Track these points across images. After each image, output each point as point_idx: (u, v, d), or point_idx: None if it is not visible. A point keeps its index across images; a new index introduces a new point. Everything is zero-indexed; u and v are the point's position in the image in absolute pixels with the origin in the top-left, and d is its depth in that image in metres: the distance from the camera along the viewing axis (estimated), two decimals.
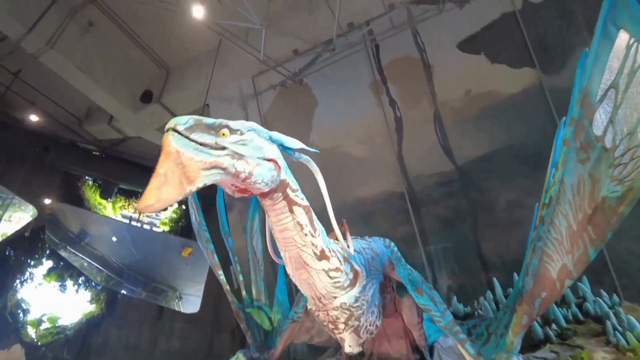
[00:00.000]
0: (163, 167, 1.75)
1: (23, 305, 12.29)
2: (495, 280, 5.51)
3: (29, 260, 12.73)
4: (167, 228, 15.72)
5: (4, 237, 11.74)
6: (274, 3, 6.83)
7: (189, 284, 14.93)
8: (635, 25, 2.42)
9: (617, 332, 3.70)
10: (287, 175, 2.46)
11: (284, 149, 2.48)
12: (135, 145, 13.00)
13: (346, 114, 8.59)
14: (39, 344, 11.95)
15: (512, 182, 6.99)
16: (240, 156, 2.02)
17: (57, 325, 12.54)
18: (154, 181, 1.72)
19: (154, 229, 15.77)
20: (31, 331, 12.21)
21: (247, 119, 8.60)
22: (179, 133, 1.82)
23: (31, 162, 12.13)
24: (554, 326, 4.33)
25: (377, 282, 3.50)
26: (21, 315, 12.16)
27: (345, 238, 3.39)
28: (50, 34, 8.95)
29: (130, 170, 14.04)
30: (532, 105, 6.98)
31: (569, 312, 4.45)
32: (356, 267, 3.17)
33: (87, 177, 14.09)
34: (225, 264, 4.80)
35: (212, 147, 1.91)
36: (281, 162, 2.38)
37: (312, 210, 2.67)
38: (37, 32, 8.77)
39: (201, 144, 1.87)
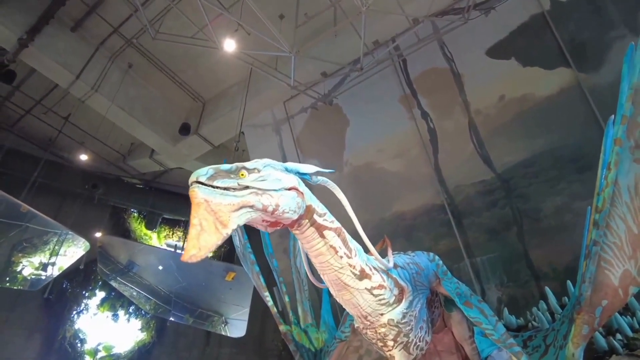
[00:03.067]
0: (197, 217, 1.86)
1: (80, 335, 12.86)
2: (547, 289, 5.28)
3: (83, 292, 13.37)
4: (210, 254, 16.08)
5: (60, 271, 12.38)
6: (301, 29, 7.03)
7: (233, 308, 15.11)
8: None
9: None
10: (312, 201, 2.48)
11: (301, 175, 2.52)
12: (176, 176, 13.52)
13: (378, 129, 8.63)
14: None
15: (557, 187, 6.74)
16: (264, 191, 2.10)
17: (111, 353, 13.03)
18: (192, 232, 1.83)
19: None
20: None
21: (281, 143, 8.83)
22: (203, 184, 1.92)
23: (82, 199, 12.86)
24: (618, 336, 4.08)
25: (424, 297, 3.45)
26: (79, 345, 12.72)
27: (386, 254, 3.40)
28: (94, 78, 9.62)
29: (173, 200, 14.56)
30: (570, 105, 6.77)
31: (634, 320, 4.18)
32: (401, 282, 3.14)
33: (132, 210, 14.73)
34: (270, 285, 4.87)
35: (235, 189, 1.99)
36: (302, 188, 2.42)
37: (344, 231, 2.67)
38: (83, 78, 9.44)
39: (225, 189, 1.96)
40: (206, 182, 1.93)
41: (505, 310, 5.77)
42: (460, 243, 7.39)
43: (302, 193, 2.37)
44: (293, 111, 9.69)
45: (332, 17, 7.36)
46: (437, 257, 3.72)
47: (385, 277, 2.93)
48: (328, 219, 2.59)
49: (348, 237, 2.69)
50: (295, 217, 2.30)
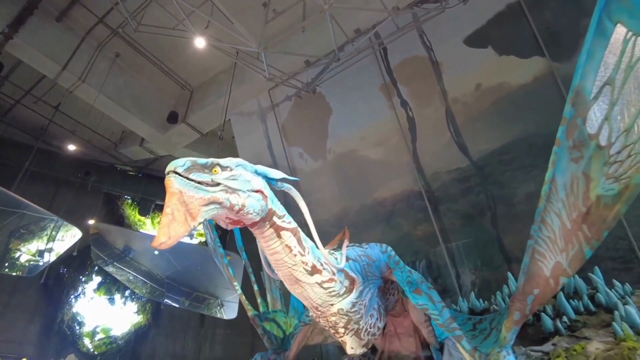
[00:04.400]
0: (170, 207, 1.98)
1: (78, 318, 13.28)
2: (509, 273, 5.52)
3: (80, 277, 13.73)
4: (203, 239, 16.40)
5: (57, 257, 12.69)
6: (281, 19, 7.10)
7: (227, 291, 15.48)
8: (633, 18, 2.37)
9: (623, 322, 3.68)
10: (273, 204, 2.61)
11: (268, 180, 2.64)
12: (167, 163, 13.61)
13: (360, 118, 8.76)
14: (95, 353, 12.91)
15: (531, 174, 6.91)
16: (233, 190, 2.23)
17: (109, 335, 13.46)
18: (164, 220, 1.95)
19: (192, 240, 16.48)
20: (87, 342, 13.16)
21: (266, 131, 8.99)
22: (179, 175, 2.04)
23: (75, 187, 13.10)
24: (564, 318, 4.32)
25: (375, 287, 3.68)
26: (77, 327, 13.14)
27: (340, 247, 3.62)
28: (81, 69, 9.71)
29: (165, 187, 14.79)
30: (544, 94, 6.87)
31: (580, 304, 4.41)
32: (352, 274, 3.36)
33: (126, 197, 14.97)
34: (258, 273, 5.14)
35: (208, 185, 2.12)
36: (267, 192, 2.55)
37: (299, 231, 2.84)
38: (70, 68, 9.54)
39: (199, 183, 2.08)
40: (182, 174, 2.06)
41: (472, 294, 6.01)
42: (436, 228, 7.61)
43: (266, 196, 2.51)
44: (278, 99, 9.81)
45: (311, 8, 7.41)
46: (389, 249, 3.93)
47: (335, 271, 3.14)
48: (286, 220, 2.75)
49: (303, 236, 2.87)
50: (257, 218, 2.45)
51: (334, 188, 9.00)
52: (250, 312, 4.65)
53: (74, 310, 13.31)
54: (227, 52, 7.86)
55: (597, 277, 4.67)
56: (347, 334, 3.39)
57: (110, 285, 13.93)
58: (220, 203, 2.16)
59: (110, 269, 14.67)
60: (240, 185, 2.30)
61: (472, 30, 7.63)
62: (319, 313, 3.29)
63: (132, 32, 9.78)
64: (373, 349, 4.73)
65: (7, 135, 12.04)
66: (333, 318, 3.28)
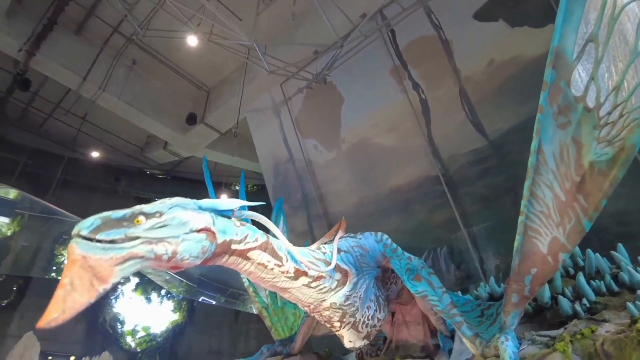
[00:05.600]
0: (68, 276, 1.70)
1: (119, 317, 13.96)
2: None
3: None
4: None
5: None
6: (276, 19, 7.07)
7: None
8: None
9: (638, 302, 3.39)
10: (227, 235, 2.34)
11: (220, 212, 2.38)
12: (192, 164, 14.04)
13: (371, 104, 8.60)
14: (137, 350, 13.55)
15: None
16: (159, 239, 1.96)
17: (149, 333, 14.07)
18: (58, 293, 1.67)
19: None
20: (129, 340, 13.81)
21: (281, 125, 8.99)
22: (84, 237, 1.78)
23: (106, 192, 13.69)
24: (584, 300, 4.04)
25: (371, 277, 3.57)
26: (119, 326, 13.81)
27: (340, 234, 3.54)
28: (101, 78, 10.07)
29: (192, 187, 15.16)
30: None
31: (602, 284, 4.12)
32: (343, 266, 3.25)
33: (155, 199, 15.37)
34: None
35: (123, 241, 1.85)
36: (216, 226, 2.27)
37: (271, 242, 2.62)
38: (90, 79, 9.91)
39: (110, 242, 1.82)
40: (88, 236, 1.79)
41: (492, 279, 5.77)
42: (456, 213, 7.36)
43: (213, 233, 2.23)
44: (290, 92, 9.78)
45: None
46: (385, 237, 3.77)
47: (324, 267, 3.04)
48: (250, 240, 2.49)
49: (277, 245, 2.67)
50: (198, 262, 2.16)
51: (349, 178, 8.90)
52: (258, 304, 4.67)
53: (115, 310, 13.98)
54: (233, 49, 7.90)
55: (621, 254, 4.35)
56: (343, 328, 3.30)
57: (147, 285, 14.50)
58: (141, 257, 1.88)
59: (148, 270, 15.30)
60: (171, 232, 2.02)
61: (481, 4, 7.27)
62: (312, 309, 3.22)
63: (145, 38, 10.09)
64: (384, 339, 4.65)
65: (41, 147, 12.73)
66: (326, 312, 3.19)
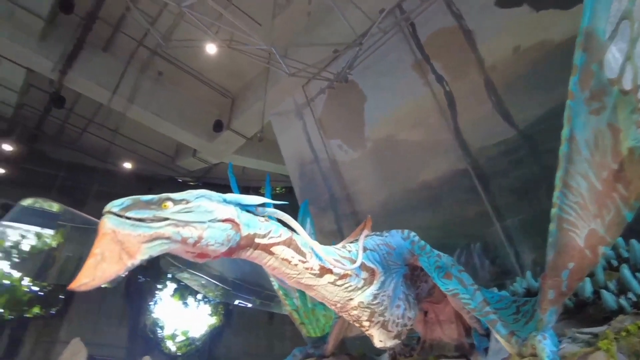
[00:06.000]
0: (99, 247, 1.84)
1: (159, 322, 14.41)
2: None
3: (156, 284, 14.86)
4: None
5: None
6: (294, 22, 7.07)
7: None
8: None
9: None
10: (250, 229, 2.43)
11: (244, 208, 2.46)
12: (222, 169, 14.28)
13: (395, 100, 8.48)
14: (178, 354, 13.94)
15: None
16: (186, 223, 2.07)
17: (188, 337, 14.45)
18: (90, 261, 1.81)
19: None
20: (170, 344, 14.22)
21: (305, 127, 9.02)
22: (114, 214, 1.91)
23: None
24: (630, 294, 3.82)
25: (399, 276, 3.50)
26: (159, 331, 14.25)
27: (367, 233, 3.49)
28: (129, 92, 10.41)
29: (223, 192, 15.35)
30: None
31: None
32: (370, 265, 3.22)
33: None
34: None
35: (151, 221, 1.97)
36: (240, 219, 2.36)
37: (295, 238, 2.66)
38: (120, 92, 10.26)
39: (139, 220, 1.94)
40: (118, 213, 1.92)
41: (529, 273, 5.56)
42: (488, 207, 7.15)
43: (238, 225, 2.32)
44: (312, 94, 9.78)
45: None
46: (412, 234, 3.69)
47: (350, 265, 3.03)
48: (274, 235, 2.56)
49: (301, 242, 2.71)
50: (223, 249, 2.25)
51: (376, 176, 8.81)
52: (288, 306, 4.69)
53: (154, 315, 14.43)
54: (253, 54, 7.98)
55: None
56: (373, 327, 3.26)
57: (184, 291, 14.87)
58: (167, 238, 2.00)
59: (184, 275, 15.68)
60: (198, 217, 2.13)
61: None
62: (339, 309, 3.20)
63: (169, 49, 10.34)
64: (418, 339, 4.57)
65: (77, 161, 13.29)
66: (354, 312, 3.17)
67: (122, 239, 1.88)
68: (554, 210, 2.75)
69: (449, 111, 7.69)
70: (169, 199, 2.10)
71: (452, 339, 4.11)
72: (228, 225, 2.24)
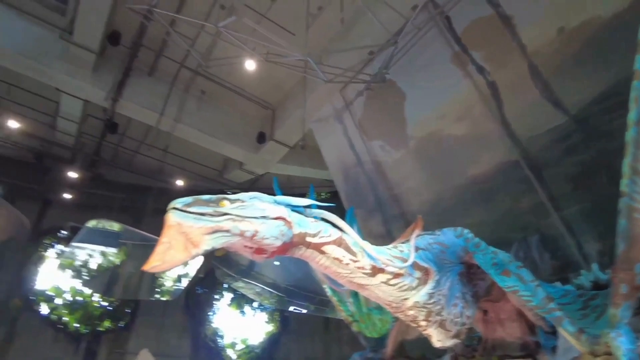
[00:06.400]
0: (166, 237, 2.07)
1: (218, 332, 14.90)
2: None
3: (214, 295, 15.39)
4: None
5: (189, 280, 14.43)
6: (327, 28, 7.13)
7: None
8: None
9: None
10: (301, 228, 2.54)
11: (294, 208, 2.58)
12: (268, 180, 14.58)
13: (435, 96, 8.32)
14: None
15: None
16: (243, 218, 2.24)
17: (247, 345, 14.82)
18: (159, 248, 2.04)
19: None
20: (230, 353, 14.64)
21: (345, 131, 9.07)
22: (178, 209, 2.12)
23: None
24: None
25: (454, 274, 3.44)
26: (219, 340, 14.72)
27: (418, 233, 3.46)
28: (175, 112, 10.91)
29: None
30: None
31: None
32: (423, 264, 3.20)
33: None
34: None
35: (211, 215, 2.16)
36: (292, 218, 2.49)
37: (345, 238, 2.72)
38: (166, 114, 10.80)
39: (200, 214, 2.14)
40: (182, 208, 2.13)
41: (595, 266, 5.25)
42: (544, 198, 6.84)
43: (289, 222, 2.45)
44: (350, 97, 9.79)
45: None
46: (465, 231, 3.60)
47: (401, 265, 3.02)
48: (324, 235, 2.64)
49: (352, 241, 2.77)
50: (278, 243, 2.38)
51: (422, 174, 8.66)
52: (343, 312, 4.71)
53: (214, 325, 14.92)
54: (290, 64, 8.14)
55: None
56: (430, 327, 3.24)
57: (240, 299, 15.27)
58: (227, 231, 2.18)
59: (239, 284, 16.11)
60: (253, 213, 2.29)
61: None
62: (395, 309, 3.20)
63: (211, 69, 10.75)
64: (479, 339, 4.44)
65: (133, 181, 14.09)
66: (410, 312, 3.16)
67: (186, 230, 2.07)
68: (623, 200, 2.62)
69: (494, 102, 7.43)
70: (225, 198, 2.28)
71: (515, 338, 3.97)
72: (281, 222, 2.39)
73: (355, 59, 8.91)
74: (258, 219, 2.30)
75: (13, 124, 11.56)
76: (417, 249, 3.28)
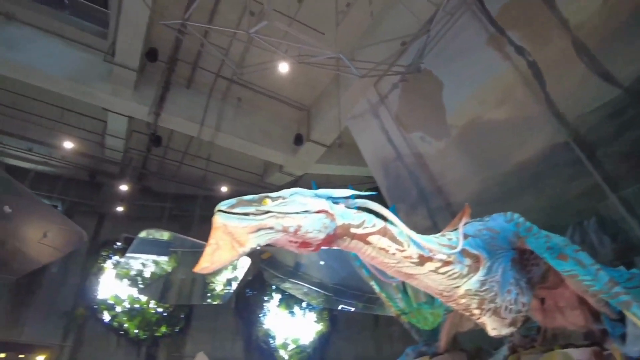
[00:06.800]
0: (214, 238, 2.17)
1: (270, 333, 15.15)
2: None
3: (263, 297, 15.66)
4: None
5: (238, 284, 14.77)
6: (357, 24, 7.06)
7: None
8: None
9: None
10: (345, 219, 2.55)
11: (335, 200, 2.59)
12: (308, 181, 14.71)
13: (474, 81, 8.05)
14: None
15: None
16: (285, 214, 2.30)
17: (298, 345, 14.97)
18: (207, 249, 2.14)
19: None
20: (282, 353, 14.85)
21: (382, 126, 8.96)
22: (224, 212, 2.22)
23: None
24: None
25: (507, 260, 3.33)
26: (271, 341, 14.97)
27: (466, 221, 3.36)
28: (214, 121, 11.23)
29: None
30: None
31: None
32: (473, 251, 3.12)
33: None
34: None
35: (255, 214, 2.24)
36: (334, 210, 2.51)
37: (390, 229, 2.69)
38: (206, 124, 11.13)
39: (244, 214, 2.22)
40: (226, 210, 2.23)
41: None
42: (598, 179, 6.45)
43: (332, 215, 2.47)
44: (385, 91, 9.67)
45: None
46: (516, 216, 3.46)
47: (450, 253, 2.96)
48: (368, 225, 2.63)
49: (397, 231, 2.74)
50: (321, 236, 2.41)
51: (466, 163, 8.40)
52: (393, 308, 4.65)
53: (265, 326, 15.20)
54: (322, 64, 8.16)
55: None
56: (484, 315, 3.14)
57: (289, 300, 15.46)
58: (271, 228, 2.25)
59: (287, 285, 16.32)
60: (294, 208, 2.34)
61: None
62: (446, 298, 3.12)
63: (245, 76, 10.97)
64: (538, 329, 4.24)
65: (179, 191, 14.64)
66: (463, 300, 3.08)
67: (231, 230, 2.17)
68: None
69: (536, 82, 7.09)
70: (267, 197, 2.35)
71: (578, 326, 3.77)
72: (323, 215, 2.41)
73: (388, 51, 8.79)
74: (300, 213, 2.34)
75: (68, 144, 12.32)
76: (465, 236, 3.19)
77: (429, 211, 9.39)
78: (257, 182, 15.12)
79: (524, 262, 3.57)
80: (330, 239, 2.52)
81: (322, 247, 2.57)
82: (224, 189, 13.19)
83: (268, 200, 2.33)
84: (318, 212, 2.41)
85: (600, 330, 3.60)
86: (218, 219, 2.20)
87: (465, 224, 3.36)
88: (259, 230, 2.24)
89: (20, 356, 12.84)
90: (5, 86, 11.09)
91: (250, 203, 2.30)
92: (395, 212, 5.25)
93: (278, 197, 2.38)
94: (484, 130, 8.03)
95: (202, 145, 12.88)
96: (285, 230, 2.30)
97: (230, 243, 2.17)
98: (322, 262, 17.22)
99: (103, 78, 10.29)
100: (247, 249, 2.21)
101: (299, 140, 11.87)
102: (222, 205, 2.25)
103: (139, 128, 12.45)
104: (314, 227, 2.36)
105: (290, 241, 2.39)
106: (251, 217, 2.24)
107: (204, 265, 2.14)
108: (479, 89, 8.02)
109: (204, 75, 11.12)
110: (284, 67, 7.35)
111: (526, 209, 7.35)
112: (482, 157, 8.21)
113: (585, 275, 3.07)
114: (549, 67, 6.95)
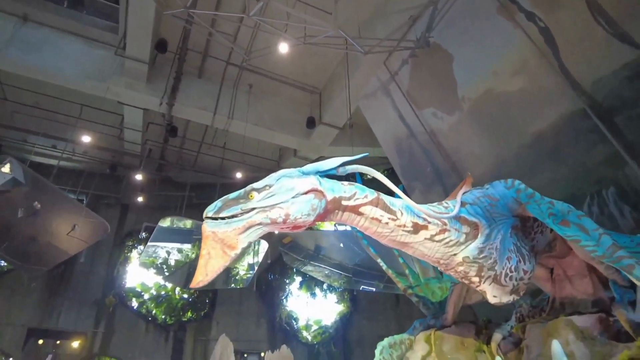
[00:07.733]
0: (205, 248, 2.23)
1: (292, 314, 15.45)
2: None
3: (285, 280, 15.93)
4: None
5: (258, 268, 15.04)
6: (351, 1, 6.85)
7: None
8: None
9: None
10: (335, 192, 2.55)
11: (325, 172, 2.60)
12: None
13: (485, 52, 7.79)
14: (314, 343, 14.77)
15: None
16: (272, 206, 2.31)
17: (321, 326, 15.21)
18: (200, 262, 2.21)
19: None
20: (305, 334, 15.12)
21: (394, 104, 8.82)
22: (210, 218, 2.26)
23: None
24: None
25: (507, 227, 3.28)
26: (294, 323, 15.26)
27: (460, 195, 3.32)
28: (227, 109, 11.31)
29: None
30: None
31: None
32: (471, 219, 3.09)
33: None
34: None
35: (241, 214, 2.27)
36: (323, 186, 2.51)
37: (382, 198, 2.69)
38: (220, 112, 11.22)
39: (231, 217, 2.25)
40: (213, 216, 2.26)
41: None
42: (618, 146, 6.20)
43: (321, 192, 2.48)
44: (395, 68, 9.49)
45: None
46: (516, 182, 3.38)
47: (446, 220, 2.93)
48: (360, 197, 2.64)
49: (389, 200, 2.74)
50: (311, 219, 2.44)
51: (481, 138, 8.20)
52: (401, 284, 4.65)
53: (288, 308, 15.48)
54: (329, 43, 8.05)
55: None
56: (484, 282, 3.12)
57: (310, 282, 15.68)
58: (259, 224, 2.28)
59: (308, 268, 16.52)
60: (281, 198, 2.34)
61: None
62: (444, 266, 3.11)
63: (255, 61, 10.96)
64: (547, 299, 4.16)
65: (197, 180, 14.89)
66: (461, 268, 3.06)
67: (221, 236, 2.22)
68: None
69: (549, 49, 6.81)
70: (253, 189, 2.36)
71: (587, 295, 3.69)
72: (311, 196, 2.42)
73: (395, 26, 8.62)
74: (286, 202, 2.35)
75: (88, 139, 12.69)
76: (463, 204, 3.16)
77: (444, 189, 9.24)
78: (274, 167, 15.20)
79: (527, 230, 3.50)
80: (322, 216, 2.54)
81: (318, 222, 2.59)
82: (240, 175, 13.32)
83: (254, 194, 2.34)
84: (307, 192, 2.42)
85: (609, 298, 3.51)
86: (207, 228, 2.25)
87: (464, 193, 3.33)
88: (247, 229, 2.28)
89: (57, 342, 13.58)
90: (28, 87, 11.46)
91: (236, 201, 2.33)
92: (404, 191, 5.26)
93: (264, 187, 2.38)
94: (498, 102, 7.80)
95: (218, 133, 13.03)
96: (274, 222, 2.33)
97: (222, 249, 2.22)
98: (341, 245, 17.34)
99: (116, 72, 10.49)
100: (238, 250, 2.26)
101: (311, 123, 11.85)
102: (209, 211, 2.28)
103: (155, 119, 12.69)
104: (302, 212, 2.38)
105: (282, 228, 2.43)
106: (238, 217, 2.26)
107: (199, 279, 2.21)
108: (490, 60, 7.76)
109: (215, 63, 11.18)
110: (283, 48, 7.28)
111: (547, 181, 7.18)
112: (496, 130, 7.99)
113: (588, 241, 3.00)
114: (562, 32, 6.65)
